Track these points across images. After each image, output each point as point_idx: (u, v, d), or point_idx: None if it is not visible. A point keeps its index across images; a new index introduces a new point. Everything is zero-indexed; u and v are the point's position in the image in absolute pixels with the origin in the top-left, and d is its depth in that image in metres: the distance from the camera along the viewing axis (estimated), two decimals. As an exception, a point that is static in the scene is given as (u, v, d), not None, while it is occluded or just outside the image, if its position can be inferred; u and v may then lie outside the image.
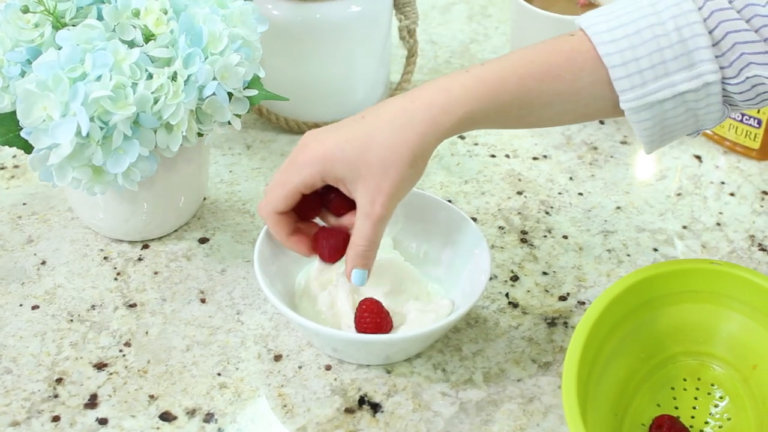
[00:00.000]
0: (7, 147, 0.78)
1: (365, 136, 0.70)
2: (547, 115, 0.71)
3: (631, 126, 0.71)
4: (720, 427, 0.73)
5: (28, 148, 0.76)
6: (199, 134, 0.81)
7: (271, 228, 0.77)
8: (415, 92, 0.71)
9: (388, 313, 0.78)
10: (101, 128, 0.74)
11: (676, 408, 0.75)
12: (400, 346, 0.77)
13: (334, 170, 0.71)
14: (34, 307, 0.84)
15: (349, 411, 0.75)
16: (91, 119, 0.73)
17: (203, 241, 0.92)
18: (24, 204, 0.96)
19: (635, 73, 0.66)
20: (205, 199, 0.97)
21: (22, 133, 0.75)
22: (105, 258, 0.90)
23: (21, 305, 0.84)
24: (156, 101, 0.76)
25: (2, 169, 1.01)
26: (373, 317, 0.76)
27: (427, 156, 0.71)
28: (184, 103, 0.76)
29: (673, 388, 0.76)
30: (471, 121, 0.70)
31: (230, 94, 0.81)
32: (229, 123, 0.82)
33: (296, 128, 1.07)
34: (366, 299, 0.77)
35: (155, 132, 0.77)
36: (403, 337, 0.75)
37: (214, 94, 0.78)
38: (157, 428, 0.73)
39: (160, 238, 0.92)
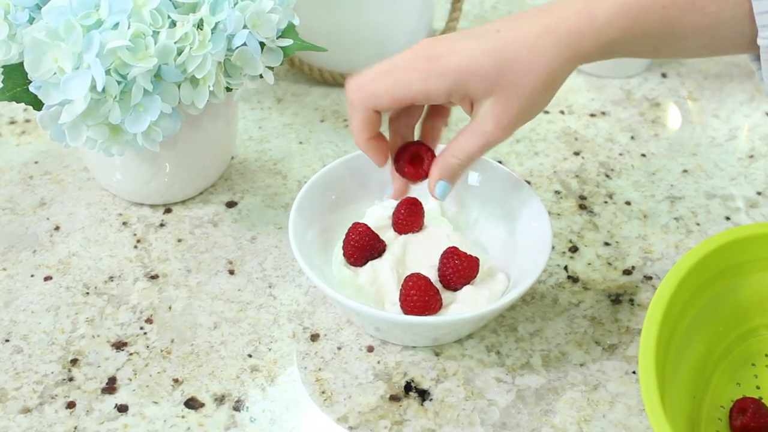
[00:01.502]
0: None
1: (504, 51, 0.63)
2: (682, 47, 0.66)
3: (759, 64, 0.64)
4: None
5: (37, 104, 0.68)
6: (228, 89, 0.74)
7: (356, 120, 0.67)
8: (555, 10, 0.64)
9: (438, 290, 0.70)
10: (119, 83, 0.67)
11: (758, 387, 0.67)
12: (450, 328, 0.69)
13: (468, 85, 0.63)
14: (47, 278, 0.77)
15: (394, 399, 0.68)
16: (107, 72, 0.66)
17: (231, 205, 0.84)
18: (36, 163, 0.88)
19: None
20: (232, 158, 0.89)
21: (31, 88, 0.67)
22: (124, 223, 0.82)
23: (32, 276, 0.77)
24: (180, 52, 0.68)
25: (12, 123, 0.93)
26: (420, 295, 0.68)
27: (562, 83, 0.65)
28: (211, 55, 0.69)
29: (754, 365, 0.69)
30: (610, 50, 0.64)
31: (262, 45, 0.74)
32: (261, 76, 0.74)
33: (331, 80, 0.99)
34: (413, 274, 0.70)
35: (179, 87, 0.70)
36: (454, 319, 0.67)
37: (244, 44, 0.71)
38: (183, 416, 0.66)
39: (183, 202, 0.84)
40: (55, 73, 0.66)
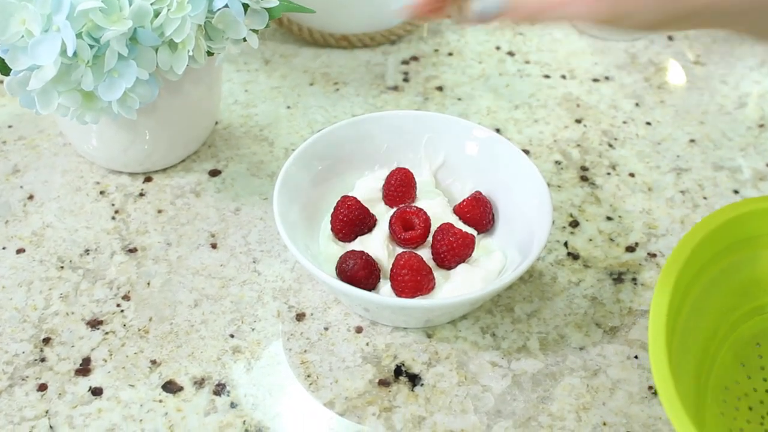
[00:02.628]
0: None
1: None
2: None
3: None
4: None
5: (5, 69, 0.64)
6: (209, 53, 0.69)
7: None
8: None
9: (430, 269, 0.66)
10: (91, 47, 0.63)
11: (762, 368, 0.64)
12: (443, 311, 0.65)
13: None
14: (20, 251, 0.73)
15: (383, 383, 0.64)
16: (79, 36, 0.62)
17: (214, 173, 0.80)
18: (9, 127, 0.84)
19: None
20: (216, 123, 0.85)
21: (-2, 51, 0.62)
22: (101, 192, 0.78)
23: (4, 248, 0.73)
24: (156, 14, 0.64)
25: (-15, 84, 0.88)
26: (412, 275, 0.65)
27: None
28: (191, 17, 0.65)
29: (758, 345, 0.65)
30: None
31: (246, 6, 0.69)
32: (245, 40, 0.69)
33: (321, 41, 0.94)
34: (404, 252, 0.66)
35: (156, 51, 0.66)
36: (448, 303, 0.63)
37: (226, 5, 0.67)
38: (160, 401, 0.63)
39: (164, 170, 0.80)
40: (22, 36, 0.61)
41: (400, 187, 0.72)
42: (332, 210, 0.70)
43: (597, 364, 0.66)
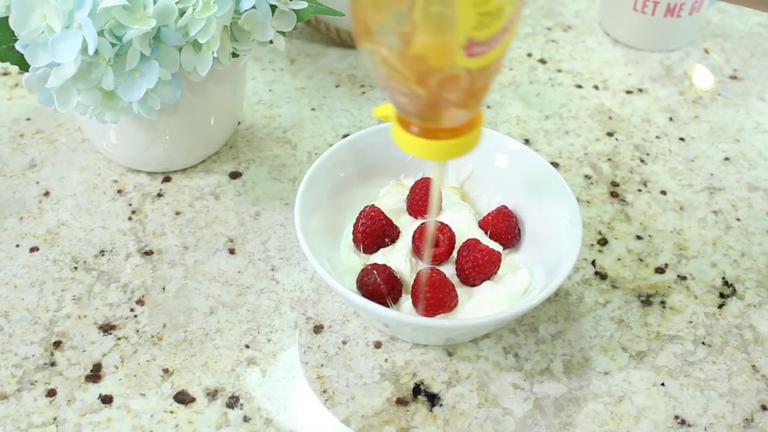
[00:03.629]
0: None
1: None
2: None
3: None
4: None
5: (24, 64, 0.62)
6: (234, 55, 0.67)
7: None
8: None
9: (453, 287, 0.64)
10: (113, 45, 0.61)
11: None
12: (465, 331, 0.63)
13: None
14: (33, 249, 0.71)
15: (401, 402, 0.62)
16: (101, 34, 0.60)
17: (235, 175, 0.78)
18: (28, 119, 0.82)
19: None
20: (239, 123, 0.83)
21: (17, 46, 0.61)
22: (119, 191, 0.76)
23: (18, 246, 0.71)
24: (181, 14, 0.62)
25: (5, 75, 0.87)
26: (434, 291, 0.63)
27: None
28: (216, 18, 0.63)
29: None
30: None
31: (273, 7, 0.67)
32: (271, 42, 0.67)
33: (349, 41, 0.92)
34: (427, 268, 0.63)
35: (179, 51, 0.64)
36: (471, 324, 0.61)
37: (253, 6, 0.65)
38: (171, 412, 0.61)
39: (184, 170, 0.78)
40: (43, 32, 0.59)
41: (425, 197, 0.69)
42: (354, 220, 0.68)
43: (622, 390, 0.64)
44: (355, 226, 0.68)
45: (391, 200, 0.71)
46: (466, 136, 0.49)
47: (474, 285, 0.66)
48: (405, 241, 0.68)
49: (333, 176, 0.70)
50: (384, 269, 0.64)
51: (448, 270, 0.66)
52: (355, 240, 0.68)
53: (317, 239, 0.65)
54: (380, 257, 0.67)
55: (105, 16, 0.59)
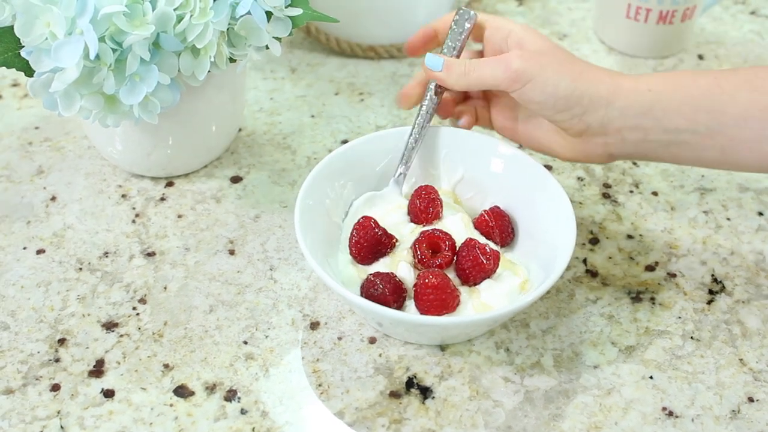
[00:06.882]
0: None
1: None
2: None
3: None
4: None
5: (28, 70, 0.65)
6: (231, 60, 0.69)
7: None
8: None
9: (455, 288, 0.65)
10: (114, 50, 0.63)
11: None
12: (462, 329, 0.65)
13: None
14: (40, 252, 0.73)
15: (394, 395, 0.64)
16: (102, 39, 0.62)
17: (236, 180, 0.80)
18: (36, 128, 0.85)
19: None
20: (240, 130, 0.85)
21: (23, 53, 0.64)
22: (123, 196, 0.78)
23: (25, 248, 0.74)
24: (179, 20, 0.65)
25: (15, 86, 0.89)
26: (437, 293, 0.64)
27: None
28: (213, 23, 0.65)
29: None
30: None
31: (269, 13, 0.69)
32: (267, 47, 0.69)
33: (348, 51, 0.94)
34: (428, 271, 0.65)
35: (178, 56, 0.66)
36: (469, 320, 0.63)
37: (249, 12, 0.67)
38: (171, 405, 0.63)
39: (186, 175, 0.81)
40: (46, 39, 0.62)
41: (429, 204, 0.70)
42: (351, 223, 0.70)
43: (611, 383, 0.65)
44: (351, 238, 0.69)
45: (387, 207, 0.72)
46: None
47: (474, 284, 0.67)
48: (404, 248, 0.69)
49: (332, 182, 0.71)
50: (389, 278, 0.65)
51: (448, 271, 0.67)
52: (351, 253, 0.69)
53: (316, 239, 0.67)
54: (381, 267, 0.68)
55: (106, 23, 0.61)
